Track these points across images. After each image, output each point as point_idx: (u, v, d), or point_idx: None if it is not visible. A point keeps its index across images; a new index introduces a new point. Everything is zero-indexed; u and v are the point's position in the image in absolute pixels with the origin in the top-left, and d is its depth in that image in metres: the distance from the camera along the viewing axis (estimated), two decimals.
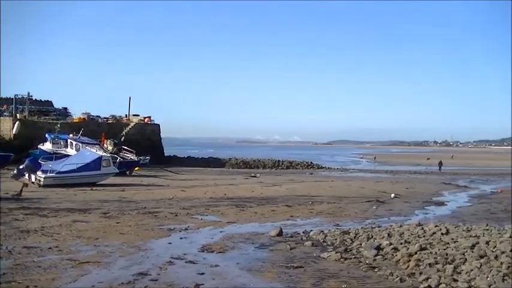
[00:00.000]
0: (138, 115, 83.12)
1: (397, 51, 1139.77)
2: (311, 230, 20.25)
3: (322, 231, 19.89)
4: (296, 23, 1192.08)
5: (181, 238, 18.55)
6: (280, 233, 19.27)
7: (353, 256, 15.70)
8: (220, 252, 16.25)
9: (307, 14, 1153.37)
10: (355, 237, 18.64)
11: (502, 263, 14.06)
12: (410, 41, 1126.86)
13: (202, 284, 12.16)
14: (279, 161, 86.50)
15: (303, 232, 20.08)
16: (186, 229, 20.38)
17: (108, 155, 45.25)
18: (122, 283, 12.03)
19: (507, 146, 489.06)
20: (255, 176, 55.09)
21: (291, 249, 16.70)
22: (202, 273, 13.24)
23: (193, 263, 14.48)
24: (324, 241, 18.18)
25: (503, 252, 15.49)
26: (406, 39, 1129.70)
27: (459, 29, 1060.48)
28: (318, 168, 79.83)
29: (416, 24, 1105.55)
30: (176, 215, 24.07)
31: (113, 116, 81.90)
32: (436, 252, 15.60)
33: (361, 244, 17.23)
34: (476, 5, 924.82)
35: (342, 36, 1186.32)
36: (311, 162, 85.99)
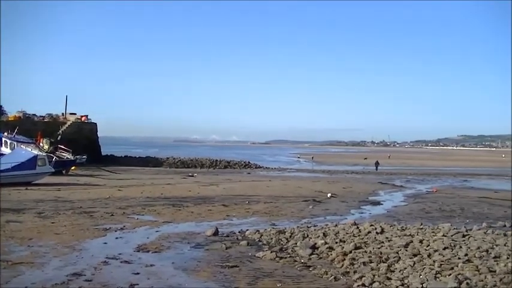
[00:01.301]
0: (75, 114, 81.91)
1: (333, 53, 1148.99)
2: (247, 230, 20.34)
3: (258, 230, 20.01)
4: (234, 20, 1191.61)
5: (116, 238, 18.38)
6: (216, 233, 19.28)
7: (288, 255, 15.83)
8: (155, 251, 16.19)
9: (243, 10, 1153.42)
10: (290, 236, 18.79)
11: (434, 261, 14.41)
12: (347, 43, 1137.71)
13: (137, 284, 12.10)
14: (216, 160, 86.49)
15: (239, 231, 20.15)
16: (121, 229, 20.22)
17: (44, 154, 44.52)
18: (56, 284, 11.85)
19: (443, 146, 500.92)
20: (192, 176, 54.95)
21: (226, 248, 16.74)
22: (137, 273, 13.17)
23: (129, 263, 14.39)
24: (259, 240, 18.29)
25: (436, 251, 15.89)
26: (343, 42, 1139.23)
27: (393, 30, 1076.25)
28: (256, 167, 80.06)
29: (355, 27, 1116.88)
30: (112, 215, 23.84)
31: (50, 115, 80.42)
32: (370, 251, 15.88)
33: (296, 243, 17.39)
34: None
35: (281, 35, 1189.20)
36: (249, 162, 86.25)
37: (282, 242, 17.93)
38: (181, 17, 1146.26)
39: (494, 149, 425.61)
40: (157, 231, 20.00)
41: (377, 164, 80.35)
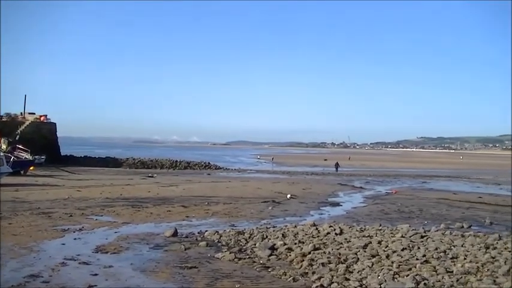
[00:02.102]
0: (34, 113, 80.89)
1: (293, 54, 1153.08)
2: (206, 231, 20.31)
3: (217, 231, 20.00)
4: (193, 24, 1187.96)
5: (75, 239, 18.20)
6: (175, 234, 19.23)
7: (247, 256, 15.88)
8: (114, 253, 16.09)
9: (198, 13, 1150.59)
10: (249, 237, 18.85)
11: (393, 262, 14.59)
12: (308, 44, 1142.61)
13: (95, 285, 12.02)
14: (176, 161, 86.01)
15: (198, 232, 20.12)
16: (80, 230, 20.02)
17: (2, 154, 43.90)
18: (12, 286, 11.71)
19: (403, 148, 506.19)
20: (152, 176, 54.56)
21: (185, 249, 16.73)
22: (96, 274, 13.08)
23: (87, 264, 14.26)
24: (218, 241, 18.29)
25: (394, 252, 16.08)
26: (304, 43, 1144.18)
27: (354, 31, 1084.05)
28: (216, 168, 79.81)
29: (316, 28, 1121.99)
30: (71, 216, 23.56)
31: (8, 114, 79.30)
32: (329, 252, 15.99)
33: (255, 244, 17.44)
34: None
35: (241, 35, 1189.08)
36: (209, 163, 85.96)
37: (241, 243, 17.96)
38: (138, 17, 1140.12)
39: (453, 151, 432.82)
40: (116, 232, 19.87)
41: (337, 165, 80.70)
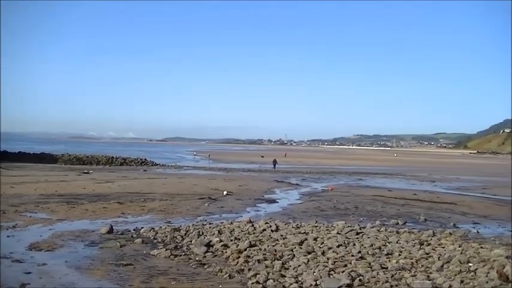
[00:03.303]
0: None
1: (225, 49, 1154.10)
2: (142, 227, 20.15)
3: (153, 228, 19.86)
4: (134, 20, 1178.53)
5: (8, 236, 17.79)
6: (110, 231, 18.98)
7: (183, 253, 15.84)
8: (48, 250, 15.79)
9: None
10: (185, 234, 18.77)
11: (328, 259, 14.78)
12: (242, 41, 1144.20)
13: (29, 284, 11.80)
14: (112, 157, 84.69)
15: (134, 229, 19.96)
16: (13, 227, 19.57)
17: None
18: None
19: (339, 145, 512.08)
20: (88, 173, 53.63)
21: (121, 246, 16.56)
22: (29, 273, 12.86)
23: (20, 262, 13.99)
24: (154, 238, 18.18)
25: (330, 248, 16.29)
26: (237, 39, 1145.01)
27: (288, 28, 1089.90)
28: (152, 165, 78.87)
29: (254, 24, 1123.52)
30: (4, 213, 22.93)
31: None
32: (265, 249, 16.07)
33: (191, 241, 17.39)
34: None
35: (168, 30, 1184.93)
36: (145, 159, 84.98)
37: (177, 240, 17.88)
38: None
39: (389, 148, 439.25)
40: (50, 229, 19.49)
41: (275, 162, 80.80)
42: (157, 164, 79.53)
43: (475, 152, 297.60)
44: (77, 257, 15.01)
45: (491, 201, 36.47)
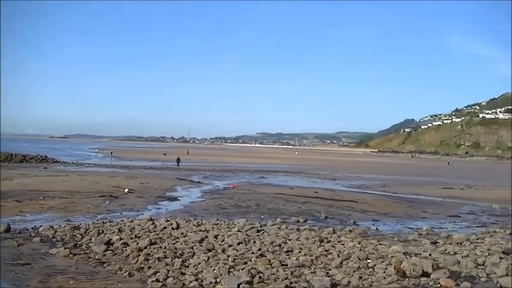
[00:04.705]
0: None
1: (126, 46, 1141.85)
2: (41, 226, 19.62)
3: (52, 226, 19.35)
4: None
5: None
6: (7, 229, 18.37)
7: (82, 252, 15.61)
8: None
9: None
10: (85, 232, 18.48)
11: (228, 256, 14.87)
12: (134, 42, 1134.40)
13: None
14: (11, 154, 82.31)
15: (32, 228, 19.40)
16: None
17: None
18: None
19: (242, 143, 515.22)
20: None
21: (18, 245, 16.09)
22: None
23: None
24: (53, 237, 17.77)
25: (230, 246, 16.39)
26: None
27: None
28: (53, 162, 76.76)
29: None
30: None
31: None
32: (165, 247, 16.03)
33: (91, 239, 17.14)
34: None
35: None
36: (46, 156, 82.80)
37: (76, 238, 17.57)
38: None
39: (291, 146, 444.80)
40: None
41: (178, 160, 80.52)
42: (58, 161, 77.73)
43: (376, 150, 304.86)
44: None
45: (390, 199, 37.63)
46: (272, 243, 17.20)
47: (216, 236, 17.99)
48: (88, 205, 27.42)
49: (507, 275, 13.31)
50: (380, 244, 17.79)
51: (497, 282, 12.82)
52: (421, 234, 21.44)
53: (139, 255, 14.94)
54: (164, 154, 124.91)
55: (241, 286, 11.85)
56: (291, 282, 12.32)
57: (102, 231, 18.43)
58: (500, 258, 15.31)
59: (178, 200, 32.87)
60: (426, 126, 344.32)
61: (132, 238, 17.40)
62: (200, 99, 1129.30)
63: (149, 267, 13.66)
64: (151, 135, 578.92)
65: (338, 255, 15.61)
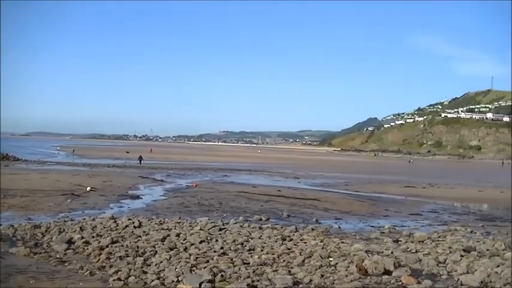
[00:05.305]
0: None
1: (82, 43, 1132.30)
2: (0, 225, 19.32)
3: (12, 225, 19.12)
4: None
5: None
6: None
7: (43, 251, 15.48)
8: None
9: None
10: (46, 231, 18.30)
11: (190, 255, 14.89)
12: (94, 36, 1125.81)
13: None
14: None
15: None
16: None
17: None
18: None
19: (205, 141, 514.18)
20: None
21: None
22: None
23: None
24: (13, 236, 17.50)
25: (192, 244, 16.41)
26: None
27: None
28: (14, 160, 75.66)
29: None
30: None
31: None
32: (127, 245, 16.00)
33: (52, 238, 17.02)
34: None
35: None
36: (7, 154, 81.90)
37: (37, 237, 17.41)
38: None
39: (254, 145, 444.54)
40: None
41: (140, 158, 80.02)
42: (19, 159, 76.70)
43: (339, 149, 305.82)
44: None
45: (353, 198, 37.96)
46: (234, 241, 17.26)
47: (178, 235, 17.99)
48: (49, 203, 27.12)
49: (468, 272, 13.56)
50: (342, 242, 17.95)
51: (458, 279, 13.06)
52: (383, 232, 21.66)
53: (101, 254, 14.87)
54: (127, 152, 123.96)
55: (203, 285, 11.86)
56: (253, 281, 12.35)
57: (64, 230, 18.29)
58: (461, 256, 15.64)
59: (141, 198, 32.72)
60: (389, 125, 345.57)
61: (93, 237, 17.31)
62: (163, 98, 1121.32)
63: (111, 266, 13.61)
64: (114, 133, 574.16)
65: (300, 253, 15.73)
